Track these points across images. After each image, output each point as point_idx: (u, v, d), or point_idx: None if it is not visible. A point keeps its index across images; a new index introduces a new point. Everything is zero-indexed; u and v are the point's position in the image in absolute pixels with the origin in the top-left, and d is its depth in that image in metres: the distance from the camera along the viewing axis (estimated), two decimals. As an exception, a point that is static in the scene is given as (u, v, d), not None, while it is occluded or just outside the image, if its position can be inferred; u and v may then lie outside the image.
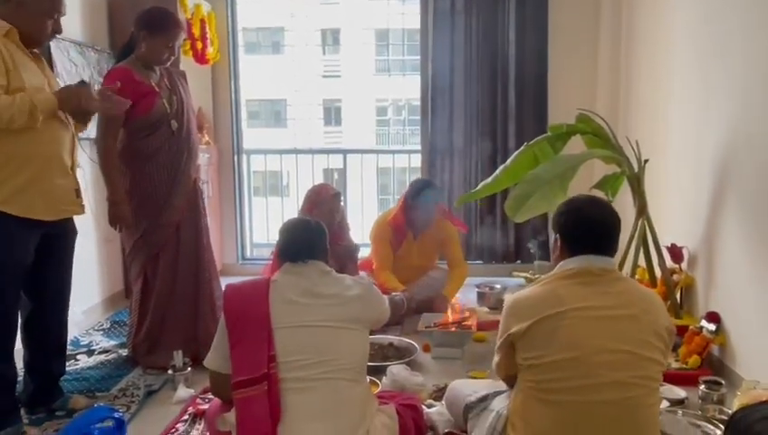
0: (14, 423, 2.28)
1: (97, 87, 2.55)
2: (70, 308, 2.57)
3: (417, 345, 3.03)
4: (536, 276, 3.95)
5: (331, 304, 1.89)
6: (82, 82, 2.32)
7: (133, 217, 2.82)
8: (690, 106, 3.19)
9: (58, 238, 2.40)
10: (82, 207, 2.43)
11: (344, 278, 2.00)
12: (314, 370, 1.79)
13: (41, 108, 2.13)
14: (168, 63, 2.89)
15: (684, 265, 3.18)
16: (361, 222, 5.43)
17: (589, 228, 1.83)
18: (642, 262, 3.24)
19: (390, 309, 2.20)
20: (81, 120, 2.42)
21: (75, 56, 3.43)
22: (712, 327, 2.75)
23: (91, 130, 2.71)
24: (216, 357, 1.95)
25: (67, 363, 2.68)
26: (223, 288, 2.06)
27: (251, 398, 1.74)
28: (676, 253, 3.18)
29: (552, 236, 1.95)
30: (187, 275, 2.96)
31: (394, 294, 3.13)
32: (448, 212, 4.00)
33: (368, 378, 2.10)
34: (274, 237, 3.75)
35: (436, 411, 2.32)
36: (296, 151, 6.32)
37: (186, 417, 2.44)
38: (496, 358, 1.95)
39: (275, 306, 1.85)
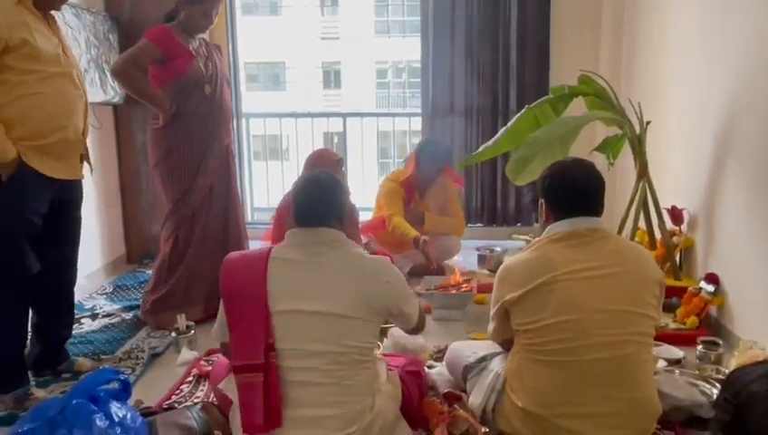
0: (23, 385, 2.31)
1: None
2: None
3: (417, 308, 3.05)
4: (536, 239, 3.96)
5: (336, 288, 1.70)
6: None
7: (172, 179, 3.02)
8: (692, 68, 3.15)
9: (69, 201, 2.44)
10: (82, 172, 2.47)
11: (357, 255, 1.78)
12: (315, 360, 1.66)
13: None
14: (207, 31, 3.08)
15: (684, 226, 3.19)
16: (362, 186, 5.42)
17: (571, 191, 1.84)
18: (642, 224, 3.25)
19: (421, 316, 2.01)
20: None
21: (70, 19, 3.38)
22: (711, 288, 2.77)
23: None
24: (218, 329, 1.87)
25: (72, 329, 2.69)
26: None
27: (251, 385, 1.66)
28: (676, 215, 3.18)
29: (539, 201, 1.96)
30: (216, 236, 3.12)
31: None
32: (449, 169, 4.01)
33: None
34: (275, 202, 3.76)
35: (436, 372, 2.35)
36: (295, 115, 6.26)
37: (190, 378, 2.47)
38: (491, 325, 1.98)
39: (273, 287, 1.69)
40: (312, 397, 1.66)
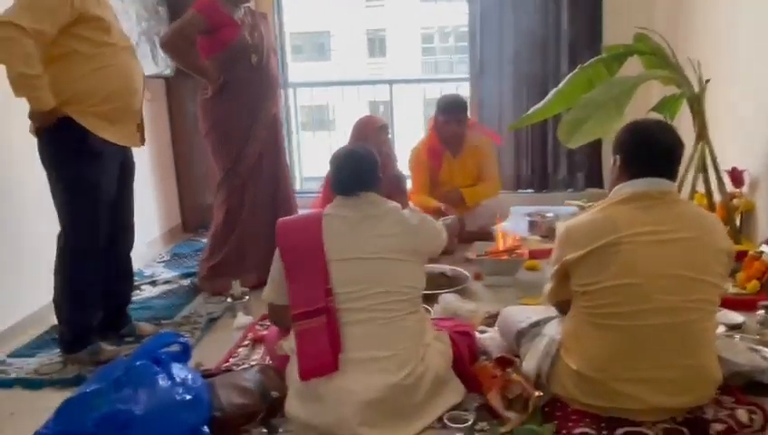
0: (93, 342, 2.44)
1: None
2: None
3: (468, 274, 3.05)
4: (589, 204, 3.89)
5: (385, 236, 1.88)
6: None
7: (222, 148, 3.08)
8: (753, 23, 3.00)
9: (128, 169, 2.55)
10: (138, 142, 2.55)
11: (398, 209, 1.96)
12: (370, 301, 1.82)
13: (28, 94, 2.14)
14: (252, 0, 3.10)
15: (744, 189, 3.07)
16: (408, 153, 5.40)
17: (653, 150, 1.79)
18: (700, 187, 3.14)
19: (446, 233, 2.17)
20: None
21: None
22: (774, 252, 2.67)
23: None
24: (272, 291, 2.03)
25: (132, 293, 2.81)
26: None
27: (311, 329, 1.79)
28: (736, 177, 3.07)
29: (612, 158, 1.90)
30: (267, 204, 3.16)
31: (446, 218, 3.12)
32: (480, 125, 3.94)
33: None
34: (324, 171, 3.79)
35: (488, 337, 2.34)
36: (341, 83, 6.26)
37: (246, 342, 2.54)
38: (549, 285, 1.95)
39: (329, 239, 1.87)
40: (366, 338, 1.80)
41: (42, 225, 2.74)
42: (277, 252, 1.97)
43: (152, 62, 3.74)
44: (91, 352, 2.41)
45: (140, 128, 2.52)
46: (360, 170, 1.96)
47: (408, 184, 3.84)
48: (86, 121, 2.26)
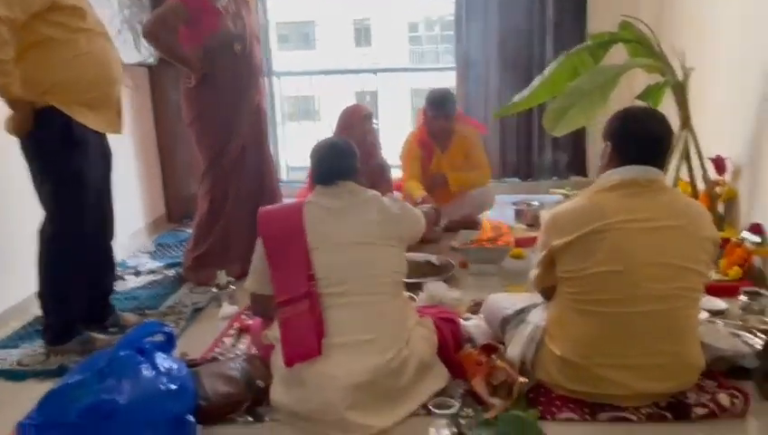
0: (82, 332, 2.43)
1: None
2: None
3: (453, 262, 3.06)
4: (573, 193, 3.91)
5: (366, 224, 1.90)
6: None
7: (206, 138, 3.04)
8: (738, 11, 3.01)
9: (106, 158, 2.52)
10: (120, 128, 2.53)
11: (378, 197, 1.99)
12: (352, 285, 1.84)
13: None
14: None
15: (727, 176, 3.10)
16: (394, 143, 5.41)
17: (644, 138, 1.80)
18: (684, 175, 3.16)
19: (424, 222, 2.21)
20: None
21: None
22: (756, 239, 2.70)
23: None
24: (255, 280, 2.03)
25: (116, 284, 2.79)
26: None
27: (295, 316, 1.80)
28: (719, 164, 3.09)
29: (602, 145, 1.90)
30: (251, 195, 3.12)
31: (423, 206, 3.13)
32: (465, 116, 3.94)
33: (405, 294, 2.16)
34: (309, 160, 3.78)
35: (473, 324, 2.35)
36: (327, 72, 6.23)
37: (231, 331, 2.53)
38: (535, 271, 1.96)
39: (310, 227, 1.89)
40: (349, 322, 1.82)
41: (23, 217, 2.70)
42: (259, 241, 1.97)
43: (135, 51, 3.70)
44: (82, 341, 2.39)
45: (119, 115, 2.48)
46: (339, 161, 1.99)
47: (396, 173, 3.84)
48: (69, 109, 2.23)
